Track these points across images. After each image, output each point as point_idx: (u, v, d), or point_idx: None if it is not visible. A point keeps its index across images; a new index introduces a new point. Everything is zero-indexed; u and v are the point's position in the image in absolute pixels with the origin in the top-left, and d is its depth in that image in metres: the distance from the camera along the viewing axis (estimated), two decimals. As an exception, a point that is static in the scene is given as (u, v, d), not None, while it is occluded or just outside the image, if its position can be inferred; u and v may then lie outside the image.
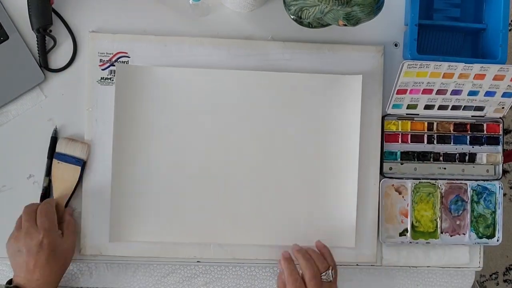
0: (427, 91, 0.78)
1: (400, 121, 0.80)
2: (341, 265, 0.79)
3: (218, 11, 0.79)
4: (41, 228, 0.67)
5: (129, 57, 0.77)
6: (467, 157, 0.81)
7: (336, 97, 0.78)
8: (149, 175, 0.77)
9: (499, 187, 0.81)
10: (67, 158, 0.74)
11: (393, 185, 0.80)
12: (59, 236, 0.69)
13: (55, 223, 0.69)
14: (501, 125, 0.82)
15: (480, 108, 0.81)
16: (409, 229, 0.79)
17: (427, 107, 0.80)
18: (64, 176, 0.74)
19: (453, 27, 0.82)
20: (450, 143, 0.81)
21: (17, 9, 0.76)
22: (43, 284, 0.66)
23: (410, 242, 0.80)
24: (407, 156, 0.80)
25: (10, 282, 0.67)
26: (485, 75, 0.77)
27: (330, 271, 0.70)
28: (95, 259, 0.77)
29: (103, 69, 0.76)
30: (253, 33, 0.79)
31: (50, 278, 0.67)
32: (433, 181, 0.80)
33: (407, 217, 0.80)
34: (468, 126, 0.81)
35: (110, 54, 0.76)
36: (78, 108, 0.77)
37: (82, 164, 0.75)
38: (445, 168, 0.81)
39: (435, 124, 0.81)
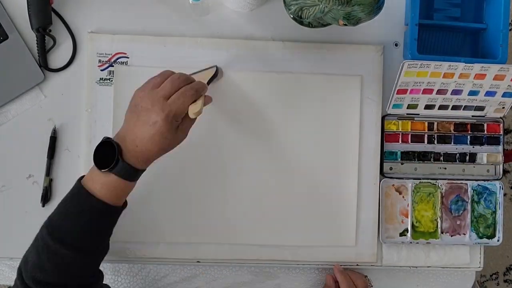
0: (427, 91, 0.78)
1: (400, 121, 0.80)
2: (341, 265, 0.79)
3: (218, 11, 0.79)
4: (168, 108, 0.60)
5: (128, 57, 0.76)
6: (467, 157, 0.81)
7: (335, 98, 0.78)
8: (148, 176, 0.76)
9: (500, 187, 0.81)
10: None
11: (393, 185, 0.80)
12: (175, 128, 0.62)
13: (182, 115, 0.63)
14: (501, 125, 0.82)
15: (481, 108, 0.81)
16: (409, 229, 0.79)
17: (428, 107, 0.80)
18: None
19: (454, 27, 0.82)
20: (451, 143, 0.81)
21: (16, 8, 0.76)
22: (140, 153, 0.61)
23: (411, 242, 0.79)
24: (407, 156, 0.80)
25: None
26: (485, 75, 0.77)
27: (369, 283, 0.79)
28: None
29: (102, 70, 0.76)
30: (253, 33, 0.79)
31: (149, 153, 0.62)
32: (433, 181, 0.80)
33: (407, 217, 0.80)
34: (469, 126, 0.81)
35: (109, 54, 0.76)
36: (78, 108, 0.77)
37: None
38: (445, 168, 0.81)
39: (435, 124, 0.81)
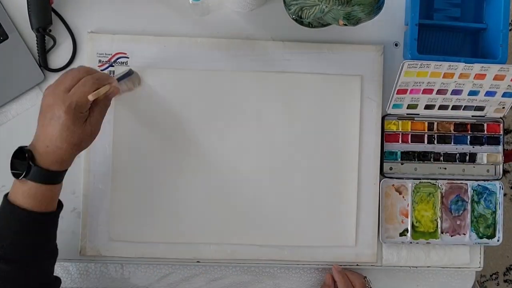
0: (427, 91, 0.78)
1: (400, 121, 0.80)
2: (341, 265, 0.79)
3: (218, 11, 0.79)
4: (69, 100, 0.60)
5: (128, 57, 0.76)
6: (467, 157, 0.81)
7: (335, 97, 0.78)
8: (149, 176, 0.76)
9: (500, 187, 0.81)
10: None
11: (393, 185, 0.80)
12: (82, 121, 0.62)
13: (84, 105, 0.61)
14: (501, 125, 0.82)
15: (481, 108, 0.81)
16: (409, 229, 0.79)
17: (428, 107, 0.80)
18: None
19: (454, 27, 0.82)
20: (451, 143, 0.81)
21: (16, 8, 0.76)
22: (52, 154, 0.60)
23: (411, 242, 0.79)
24: (407, 156, 0.80)
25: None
26: (485, 75, 0.77)
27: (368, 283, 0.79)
28: (95, 259, 0.77)
29: (102, 70, 0.76)
30: (253, 33, 0.79)
31: (60, 151, 0.61)
32: (433, 181, 0.80)
33: (407, 217, 0.80)
34: (469, 126, 0.81)
35: (109, 54, 0.76)
36: (78, 108, 0.77)
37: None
38: (445, 168, 0.81)
39: (435, 124, 0.81)
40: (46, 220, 0.63)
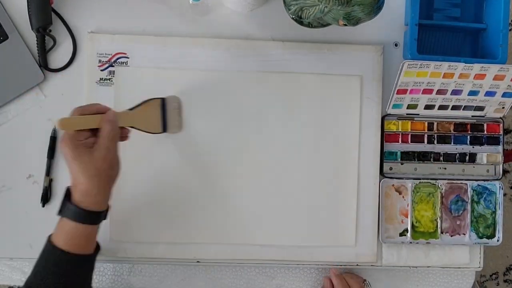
0: (427, 91, 0.78)
1: (400, 121, 0.80)
2: (341, 265, 0.79)
3: (218, 11, 0.79)
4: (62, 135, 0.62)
5: (128, 57, 0.76)
6: (467, 157, 0.81)
7: (335, 97, 0.78)
8: (149, 176, 0.76)
9: (499, 187, 0.81)
10: None
11: (393, 185, 0.80)
12: (83, 149, 0.61)
13: (77, 134, 0.62)
14: (501, 125, 0.82)
15: (480, 108, 0.81)
16: (409, 229, 0.79)
17: (427, 107, 0.80)
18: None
19: (453, 27, 0.82)
20: (450, 143, 0.81)
21: (17, 9, 0.76)
22: (79, 191, 0.61)
23: (410, 242, 0.79)
24: (407, 156, 0.80)
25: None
26: (485, 75, 0.77)
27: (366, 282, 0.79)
28: (95, 259, 0.77)
29: (102, 70, 0.76)
30: (253, 33, 0.79)
31: (83, 185, 0.61)
32: (433, 181, 0.80)
33: (407, 217, 0.80)
34: (468, 126, 0.81)
35: (109, 55, 0.76)
36: (78, 108, 0.77)
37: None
38: (445, 168, 0.81)
39: (435, 124, 0.81)
40: (84, 263, 0.64)
